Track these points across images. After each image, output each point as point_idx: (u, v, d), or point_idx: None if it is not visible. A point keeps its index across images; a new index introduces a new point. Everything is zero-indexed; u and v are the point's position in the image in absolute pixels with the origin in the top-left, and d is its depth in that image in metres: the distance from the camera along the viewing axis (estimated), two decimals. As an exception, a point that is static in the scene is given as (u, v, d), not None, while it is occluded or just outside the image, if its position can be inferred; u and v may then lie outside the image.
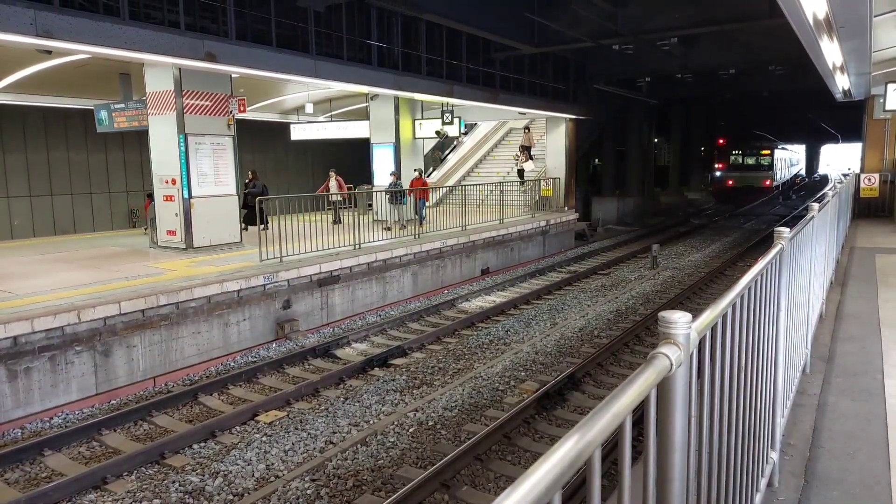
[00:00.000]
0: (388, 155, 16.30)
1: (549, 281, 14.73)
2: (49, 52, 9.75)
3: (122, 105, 12.70)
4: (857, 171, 20.03)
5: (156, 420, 7.26)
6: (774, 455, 2.99)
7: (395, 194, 14.48)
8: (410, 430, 6.79)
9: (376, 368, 8.86)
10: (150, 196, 12.50)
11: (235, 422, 7.06)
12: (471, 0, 15.15)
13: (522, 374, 8.53)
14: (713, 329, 1.74)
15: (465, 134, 24.30)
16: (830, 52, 9.26)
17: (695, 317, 1.46)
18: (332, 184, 15.26)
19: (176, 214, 11.37)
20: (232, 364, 9.17)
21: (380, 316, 11.77)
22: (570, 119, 21.08)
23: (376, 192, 15.08)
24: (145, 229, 13.86)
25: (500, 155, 24.28)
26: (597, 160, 33.48)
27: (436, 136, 17.13)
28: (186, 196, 11.21)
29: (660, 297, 13.01)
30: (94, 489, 5.73)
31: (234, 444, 6.53)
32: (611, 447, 4.31)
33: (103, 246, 12.60)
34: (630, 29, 15.89)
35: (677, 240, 21.80)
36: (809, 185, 52.28)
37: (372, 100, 16.35)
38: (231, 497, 5.55)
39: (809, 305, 4.45)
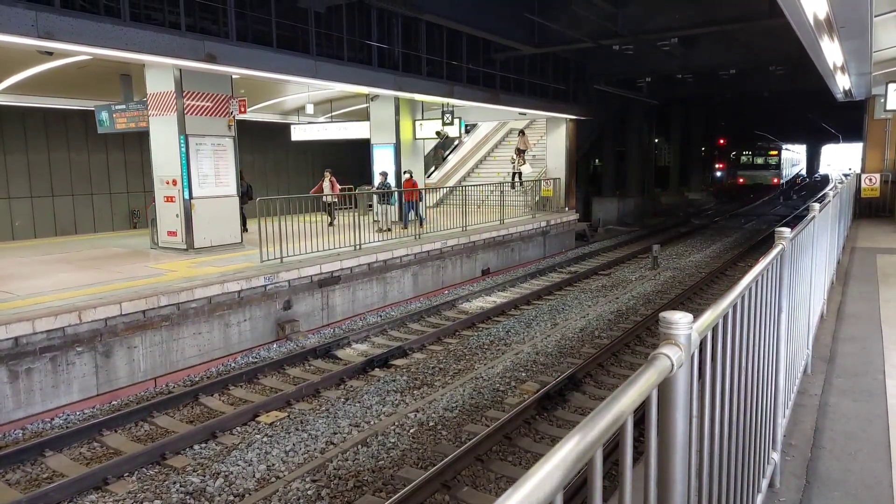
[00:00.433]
0: (389, 155, 16.30)
1: (550, 281, 14.72)
2: (50, 54, 9.75)
3: (123, 106, 12.70)
4: (858, 171, 20.02)
5: (157, 421, 7.26)
6: (776, 455, 2.99)
7: (383, 195, 14.33)
8: (411, 430, 6.79)
9: (377, 369, 8.86)
10: None
11: (236, 422, 7.06)
12: (471, 1, 15.16)
13: (523, 374, 8.53)
14: (714, 329, 1.74)
15: (468, 132, 24.28)
16: (831, 52, 9.26)
17: (696, 317, 1.46)
18: (326, 184, 15.22)
19: (177, 215, 11.38)
20: (233, 365, 9.17)
21: (380, 316, 11.77)
22: (571, 119, 21.08)
23: (359, 193, 14.71)
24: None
25: (501, 155, 24.28)
26: (597, 160, 33.49)
27: (436, 136, 17.12)
28: (187, 197, 11.22)
29: (660, 297, 13.01)
30: (95, 490, 5.73)
31: (234, 445, 6.53)
32: (611, 447, 4.31)
33: (104, 246, 12.60)
34: (630, 29, 15.89)
35: (678, 240, 21.79)
36: (810, 186, 52.30)
37: (372, 100, 16.36)
38: (232, 498, 5.55)
39: (810, 306, 4.45)
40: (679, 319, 1.36)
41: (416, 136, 16.92)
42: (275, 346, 9.92)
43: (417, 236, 13.54)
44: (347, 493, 5.55)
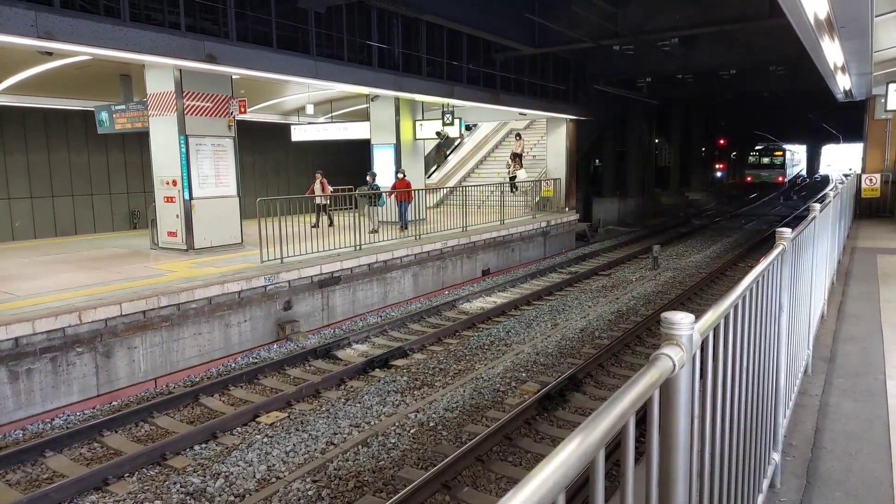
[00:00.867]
0: (389, 156, 16.29)
1: (550, 282, 14.72)
2: (50, 54, 9.75)
3: (123, 106, 12.70)
4: (859, 171, 20.02)
5: (157, 421, 7.26)
6: (776, 456, 2.99)
7: (373, 195, 14.21)
8: (411, 431, 6.79)
9: (377, 369, 8.86)
10: None
11: (236, 423, 7.06)
12: (471, 1, 15.15)
13: (523, 374, 8.53)
14: (716, 330, 1.74)
15: (469, 130, 24.25)
16: (831, 52, 9.25)
17: (697, 318, 1.45)
18: (317, 186, 15.17)
19: (177, 216, 11.38)
20: (233, 365, 9.17)
21: (381, 317, 11.77)
22: (571, 119, 21.08)
23: (350, 194, 14.37)
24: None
25: (501, 156, 24.27)
26: (597, 161, 33.50)
27: (436, 137, 17.11)
28: (187, 197, 11.21)
29: (661, 297, 13.00)
30: (95, 490, 5.73)
31: (235, 445, 6.53)
32: (612, 447, 4.31)
33: (104, 247, 12.60)
34: (630, 29, 15.89)
35: (678, 240, 21.79)
36: (810, 186, 52.52)
37: (372, 101, 16.35)
38: (232, 498, 5.55)
39: (811, 306, 4.45)
40: (681, 320, 1.35)
41: (417, 137, 16.91)
42: (275, 346, 9.91)
43: (418, 237, 13.50)
44: (348, 494, 5.55)
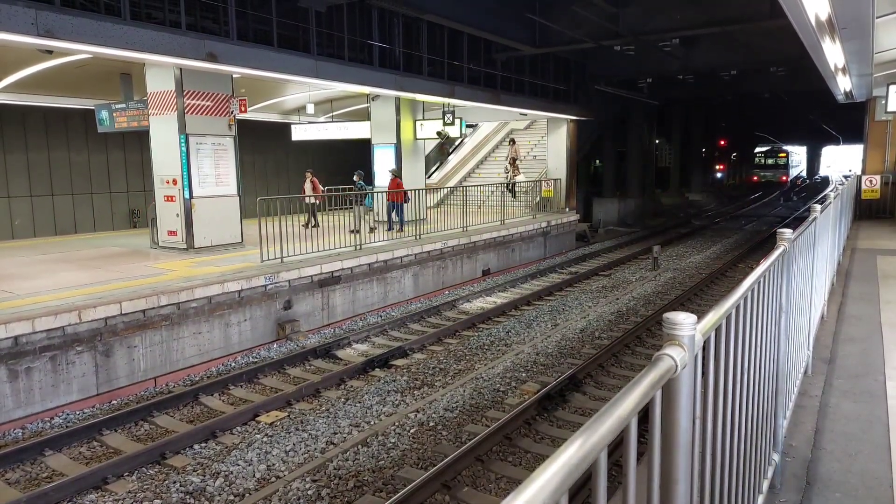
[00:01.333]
0: (390, 156, 16.28)
1: (550, 282, 14.72)
2: (50, 52, 9.76)
3: (123, 105, 12.69)
4: (859, 172, 20.02)
5: (157, 420, 7.26)
6: (776, 456, 2.99)
7: (359, 195, 14.02)
8: (411, 430, 6.79)
9: (377, 369, 8.85)
10: None
11: (236, 422, 7.06)
12: (472, 1, 15.15)
13: (523, 375, 8.53)
14: (717, 330, 1.74)
15: (469, 127, 24.22)
16: (832, 53, 9.25)
17: (699, 318, 1.45)
18: (308, 186, 15.09)
19: (177, 215, 11.37)
20: (233, 364, 9.17)
21: (381, 317, 11.77)
22: (571, 120, 21.08)
23: (336, 194, 14.22)
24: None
25: (502, 156, 24.26)
26: (597, 161, 33.52)
27: (437, 136, 17.11)
28: (187, 196, 11.21)
29: (661, 298, 13.00)
30: (94, 489, 5.73)
31: (234, 445, 6.53)
32: (613, 446, 4.30)
33: (104, 246, 12.60)
34: (631, 30, 15.88)
35: (678, 241, 21.79)
36: (810, 187, 52.85)
37: (373, 100, 16.34)
38: (232, 497, 5.55)
39: (811, 307, 4.45)
40: (683, 320, 1.35)
41: (417, 137, 16.91)
42: (275, 346, 9.91)
43: (418, 237, 13.50)
44: (348, 493, 5.55)
